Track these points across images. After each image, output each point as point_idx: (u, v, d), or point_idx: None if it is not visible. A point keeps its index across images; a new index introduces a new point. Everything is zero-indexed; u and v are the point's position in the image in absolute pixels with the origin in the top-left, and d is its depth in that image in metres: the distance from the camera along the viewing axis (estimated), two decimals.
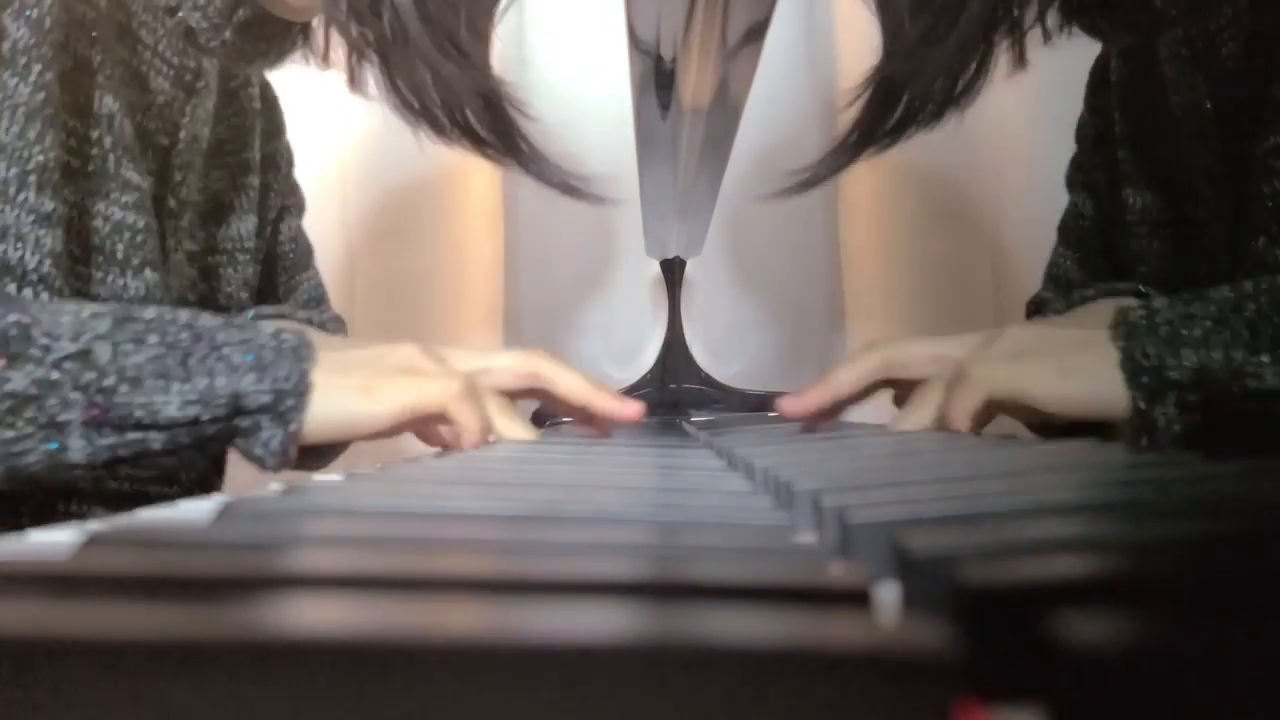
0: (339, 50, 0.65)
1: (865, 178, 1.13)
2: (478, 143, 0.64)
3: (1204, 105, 0.64)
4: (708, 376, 1.06)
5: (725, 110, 0.64)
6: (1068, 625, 0.12)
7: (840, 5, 1.10)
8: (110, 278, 0.58)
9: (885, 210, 1.17)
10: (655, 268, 1.07)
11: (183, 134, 0.65)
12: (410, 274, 1.16)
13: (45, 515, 0.54)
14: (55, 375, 0.43)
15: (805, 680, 0.11)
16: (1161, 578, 0.15)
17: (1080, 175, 0.81)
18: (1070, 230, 0.82)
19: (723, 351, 1.15)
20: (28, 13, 0.51)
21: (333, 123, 1.08)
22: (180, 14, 0.59)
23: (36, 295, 0.51)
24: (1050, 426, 0.58)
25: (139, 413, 0.44)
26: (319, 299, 0.85)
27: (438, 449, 0.59)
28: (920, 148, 0.70)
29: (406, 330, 1.14)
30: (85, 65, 0.56)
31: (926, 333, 0.66)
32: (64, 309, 0.46)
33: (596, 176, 0.69)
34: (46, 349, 0.43)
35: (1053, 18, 0.65)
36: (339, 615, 0.14)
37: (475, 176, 1.14)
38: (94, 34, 0.57)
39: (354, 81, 0.64)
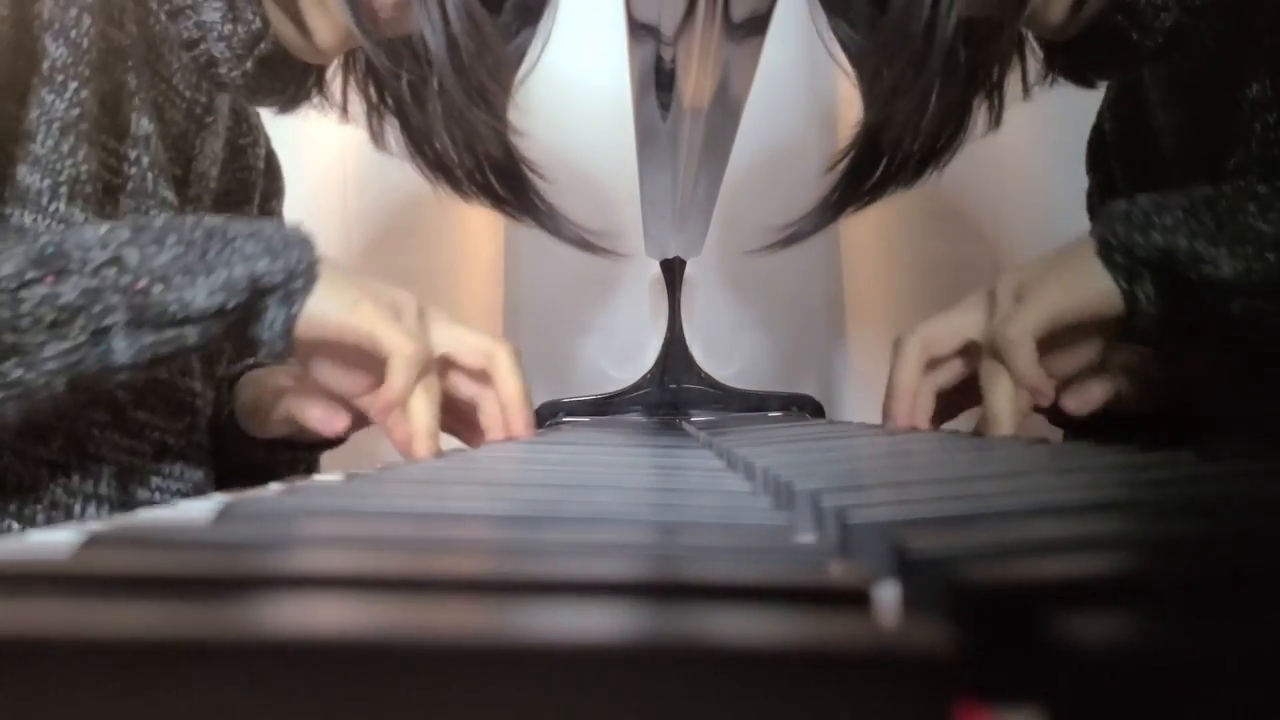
0: (359, 105, 0.71)
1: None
2: (496, 200, 0.69)
3: (1189, 145, 0.67)
4: (708, 376, 1.06)
5: (725, 110, 0.64)
6: (1067, 625, 0.12)
7: None
8: None
9: (885, 210, 1.16)
10: (655, 268, 1.07)
11: (194, 166, 0.68)
12: (410, 274, 1.15)
13: (72, 447, 0.56)
14: (96, 283, 0.46)
15: (805, 680, 0.11)
16: (1161, 578, 0.15)
17: None
18: None
19: (723, 351, 1.15)
20: (69, 33, 0.54)
21: (333, 123, 1.08)
22: (203, 45, 0.62)
23: None
24: (1075, 424, 0.58)
25: (173, 307, 0.48)
26: None
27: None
28: None
29: None
30: (122, 88, 0.59)
31: None
32: (82, 229, 0.48)
33: (608, 232, 0.73)
34: (84, 260, 0.46)
35: (1034, 71, 0.69)
36: (338, 615, 0.14)
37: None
38: (129, 61, 0.59)
39: (375, 138, 0.70)
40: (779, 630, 0.13)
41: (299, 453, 0.70)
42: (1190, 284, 0.49)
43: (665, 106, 0.64)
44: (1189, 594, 0.14)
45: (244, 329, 0.51)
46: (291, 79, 0.67)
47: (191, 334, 0.49)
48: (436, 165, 0.66)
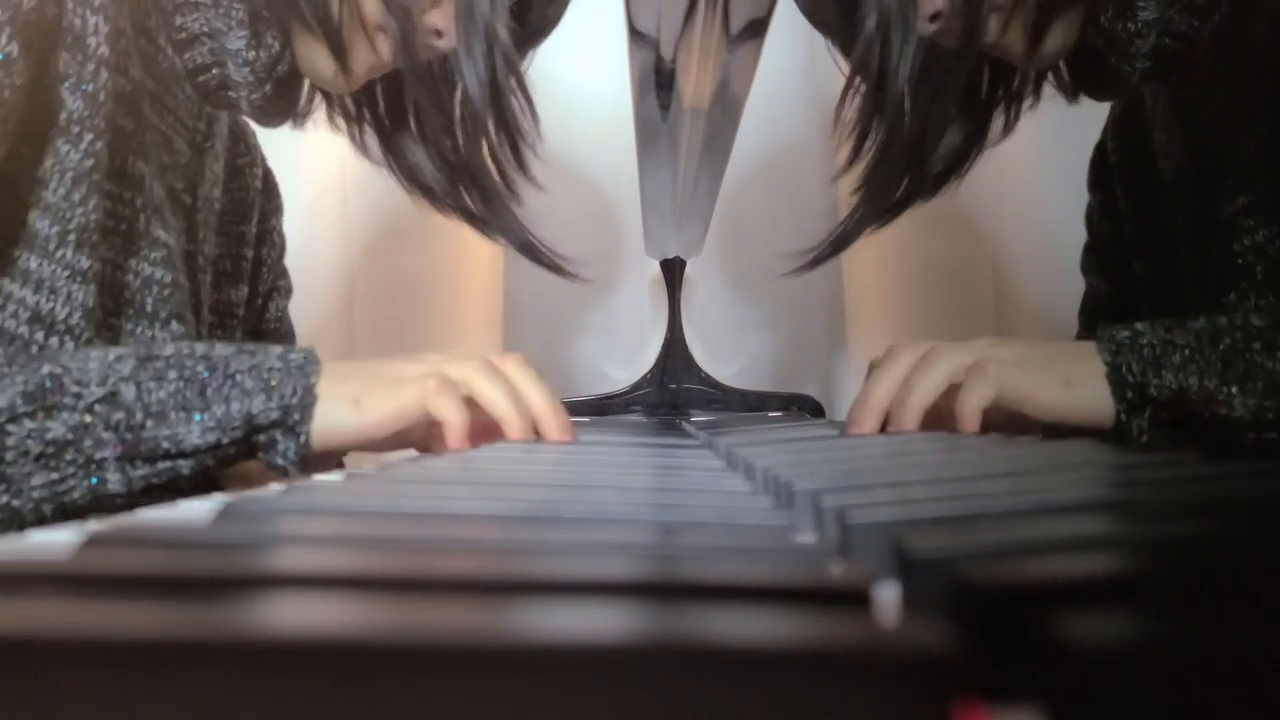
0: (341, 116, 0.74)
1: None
2: (472, 219, 0.71)
3: (1184, 167, 0.68)
4: (708, 376, 1.06)
5: (725, 110, 0.64)
6: (1067, 625, 0.12)
7: None
8: (139, 329, 0.62)
9: None
10: (655, 268, 1.07)
11: (200, 191, 0.70)
12: (410, 274, 1.15)
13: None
14: (88, 419, 0.47)
15: (805, 680, 0.11)
16: (1161, 578, 0.15)
17: (1092, 259, 0.84)
18: (1090, 313, 0.85)
19: (723, 351, 1.15)
20: (84, 86, 0.55)
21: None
22: (215, 70, 0.64)
23: (62, 344, 0.55)
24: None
25: (165, 444, 0.48)
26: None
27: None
28: None
29: (406, 330, 1.15)
30: (123, 134, 0.60)
31: (926, 334, 0.67)
32: (90, 355, 0.49)
33: (584, 259, 0.76)
34: (78, 396, 0.47)
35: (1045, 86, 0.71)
36: (338, 615, 0.14)
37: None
38: (136, 105, 0.61)
39: (358, 147, 0.73)
40: (779, 630, 0.13)
41: None
42: (1201, 419, 0.50)
43: (665, 106, 0.64)
44: (1189, 594, 0.14)
45: (253, 455, 0.52)
46: (299, 99, 0.69)
47: (184, 466, 0.49)
48: (412, 179, 0.70)
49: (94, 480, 0.48)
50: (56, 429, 0.47)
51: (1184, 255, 0.69)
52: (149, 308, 0.62)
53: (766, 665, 0.11)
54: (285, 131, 0.83)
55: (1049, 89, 0.72)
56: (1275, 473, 0.26)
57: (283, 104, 0.67)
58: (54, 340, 0.55)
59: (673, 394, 1.05)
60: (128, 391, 0.48)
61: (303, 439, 0.51)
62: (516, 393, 0.55)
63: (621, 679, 0.11)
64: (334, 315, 1.12)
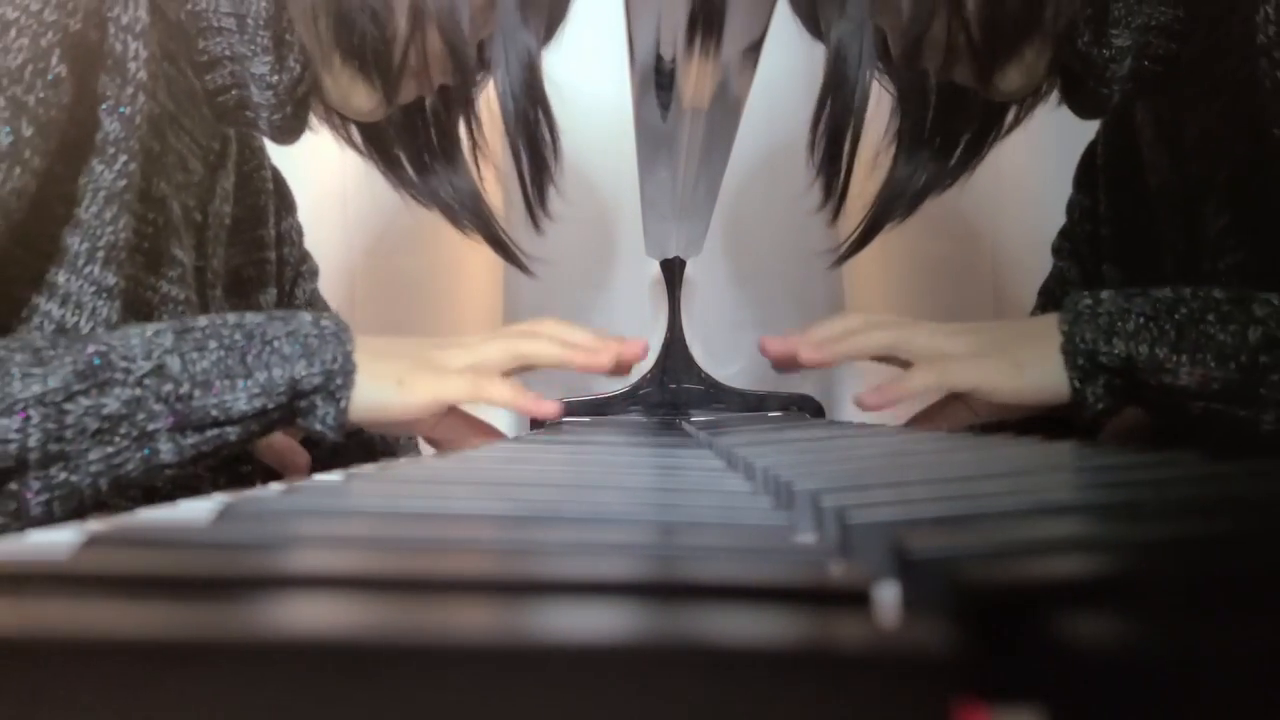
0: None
1: (865, 178, 1.13)
2: (457, 225, 0.75)
3: (1171, 183, 0.69)
4: (708, 376, 1.06)
5: (725, 110, 0.64)
6: (1067, 625, 0.12)
7: None
8: None
9: None
10: (655, 268, 1.07)
11: (211, 209, 0.71)
12: (410, 275, 1.15)
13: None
14: (139, 392, 0.49)
15: (805, 680, 0.11)
16: (1161, 578, 0.15)
17: (1068, 244, 0.86)
18: (1052, 293, 0.87)
19: (723, 351, 1.15)
20: (121, 109, 0.57)
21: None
22: (234, 91, 0.65)
23: None
24: (1005, 425, 0.61)
25: (214, 412, 0.50)
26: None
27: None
28: None
29: (406, 330, 1.15)
30: (150, 155, 0.62)
31: None
32: (129, 332, 0.51)
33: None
34: (127, 370, 0.49)
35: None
36: (338, 615, 0.14)
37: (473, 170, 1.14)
38: (161, 127, 0.63)
39: (348, 143, 0.77)
40: (779, 630, 0.13)
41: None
42: (1149, 387, 0.51)
43: (665, 106, 0.64)
44: (1188, 594, 0.14)
45: (293, 421, 0.54)
46: (309, 115, 0.70)
47: (232, 433, 0.51)
48: (400, 188, 0.74)
49: (147, 451, 0.49)
50: (111, 404, 0.48)
51: (1169, 270, 0.71)
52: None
53: (766, 665, 0.11)
54: (296, 210, 0.85)
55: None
56: (1275, 473, 0.26)
57: (297, 123, 0.69)
58: None
59: (673, 394, 1.05)
60: (173, 363, 0.50)
61: (343, 404, 0.53)
62: (561, 339, 0.60)
63: (621, 679, 0.11)
64: None
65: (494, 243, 0.76)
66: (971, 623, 0.14)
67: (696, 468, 0.41)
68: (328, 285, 0.90)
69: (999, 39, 0.61)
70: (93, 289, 0.56)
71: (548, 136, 0.68)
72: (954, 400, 0.60)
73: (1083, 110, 0.69)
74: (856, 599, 0.15)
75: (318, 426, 0.53)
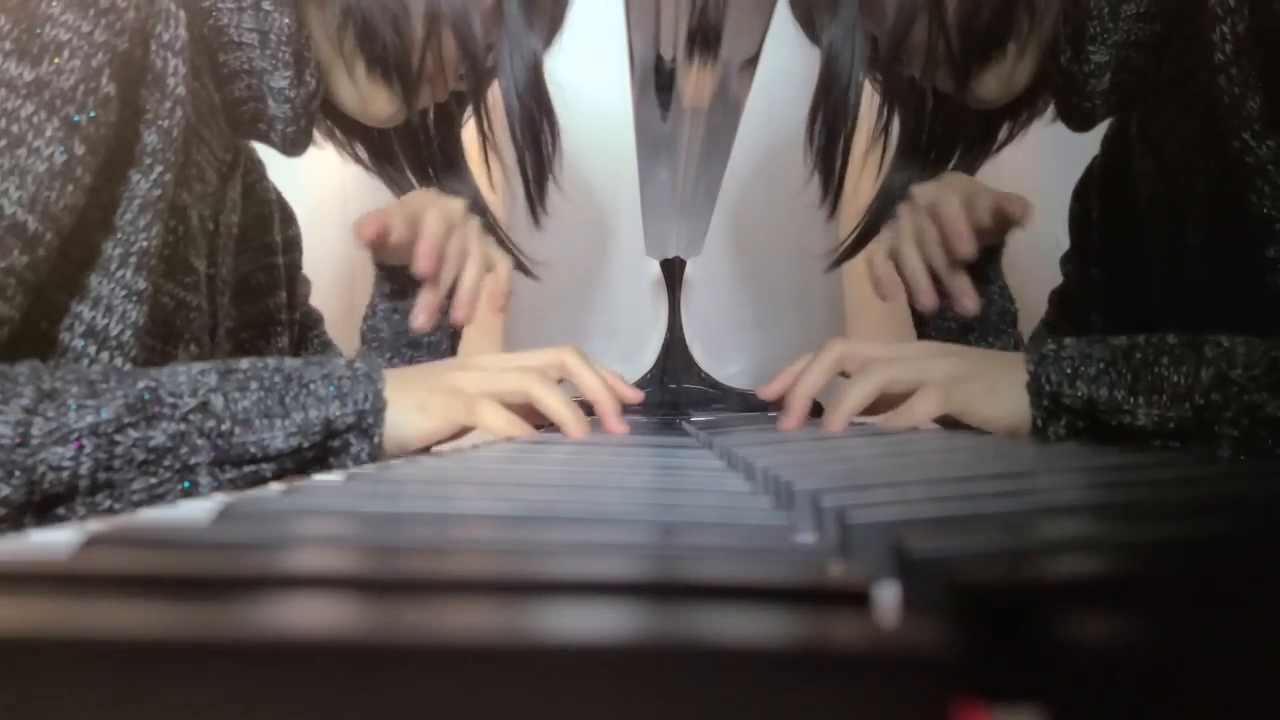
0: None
1: (865, 177, 1.13)
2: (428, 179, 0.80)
3: (1158, 194, 0.71)
4: (708, 376, 1.06)
5: (725, 110, 0.65)
6: (1067, 625, 0.12)
7: None
8: (165, 349, 0.66)
9: None
10: (655, 268, 1.07)
11: (222, 218, 0.73)
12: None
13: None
14: (184, 427, 0.50)
15: (805, 680, 0.11)
16: (1161, 578, 0.15)
17: (1072, 255, 0.89)
18: (1053, 302, 0.91)
19: (723, 351, 1.15)
20: (160, 123, 0.59)
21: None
22: (251, 104, 0.68)
23: (111, 358, 0.59)
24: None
25: (252, 449, 0.52)
26: (326, 345, 0.97)
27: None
28: None
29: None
30: (178, 167, 0.63)
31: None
32: (176, 370, 0.52)
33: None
34: (174, 406, 0.50)
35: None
36: (338, 615, 0.14)
37: (474, 176, 1.14)
38: (184, 140, 0.64)
39: (354, 159, 0.83)
40: (779, 630, 0.13)
41: None
42: (1109, 427, 0.54)
43: (665, 107, 0.64)
44: (1188, 594, 0.14)
45: (326, 460, 0.55)
46: (314, 126, 0.73)
47: (267, 470, 0.53)
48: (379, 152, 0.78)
49: (187, 484, 0.51)
50: (158, 437, 0.49)
51: (1159, 281, 0.72)
52: (176, 328, 0.66)
53: (766, 665, 0.11)
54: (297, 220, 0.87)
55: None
56: (1275, 473, 0.26)
57: (307, 136, 0.71)
58: (104, 354, 0.58)
59: (673, 394, 1.05)
60: (217, 401, 0.51)
61: (376, 440, 0.55)
62: (566, 410, 0.61)
63: (621, 679, 0.11)
64: (334, 316, 1.12)
65: (497, 246, 0.78)
66: (971, 623, 0.14)
67: (696, 468, 0.41)
68: (328, 285, 0.90)
69: (974, 46, 0.64)
70: (123, 293, 0.58)
71: (549, 136, 0.70)
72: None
73: (1070, 122, 0.71)
74: (856, 599, 0.15)
75: (351, 465, 0.55)
